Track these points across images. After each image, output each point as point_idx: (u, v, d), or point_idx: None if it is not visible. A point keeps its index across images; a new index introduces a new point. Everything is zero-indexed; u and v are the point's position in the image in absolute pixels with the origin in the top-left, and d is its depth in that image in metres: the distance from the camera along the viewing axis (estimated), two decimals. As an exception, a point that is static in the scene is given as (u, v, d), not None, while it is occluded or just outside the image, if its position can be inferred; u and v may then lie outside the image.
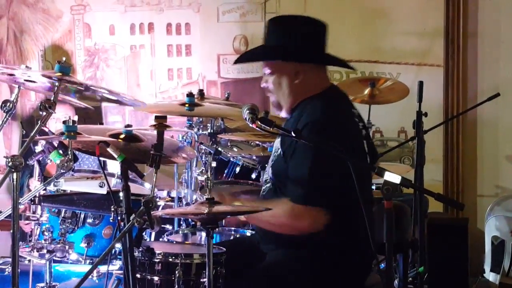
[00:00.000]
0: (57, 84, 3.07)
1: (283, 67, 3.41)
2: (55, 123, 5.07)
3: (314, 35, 3.45)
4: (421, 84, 4.59)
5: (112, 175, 3.98)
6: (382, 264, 3.26)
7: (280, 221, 3.25)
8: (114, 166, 4.32)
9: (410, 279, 4.34)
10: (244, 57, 3.98)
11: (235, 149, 4.92)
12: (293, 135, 2.98)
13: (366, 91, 5.39)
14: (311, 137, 3.17)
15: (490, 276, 5.45)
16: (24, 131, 6.01)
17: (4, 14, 6.29)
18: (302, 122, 3.30)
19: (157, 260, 3.27)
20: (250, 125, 3.07)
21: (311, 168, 3.17)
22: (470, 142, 6.04)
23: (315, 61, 3.45)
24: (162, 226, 4.22)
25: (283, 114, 3.48)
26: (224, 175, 4.73)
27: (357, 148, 3.38)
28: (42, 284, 3.57)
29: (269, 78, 3.45)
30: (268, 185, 3.46)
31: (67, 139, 3.13)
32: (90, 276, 3.28)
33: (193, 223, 4.15)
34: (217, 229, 3.15)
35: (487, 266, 5.50)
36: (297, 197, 3.20)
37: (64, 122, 3.13)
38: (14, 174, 2.81)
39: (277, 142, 3.47)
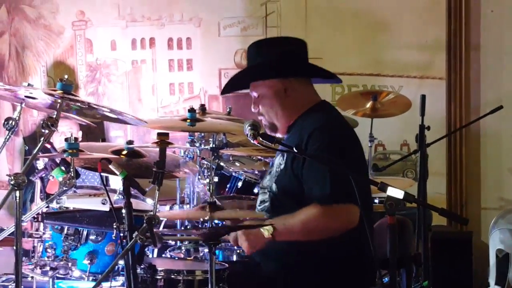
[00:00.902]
0: (59, 101, 3.07)
1: (270, 87, 3.42)
2: (59, 136, 5.06)
3: (294, 51, 3.46)
4: (423, 97, 4.59)
5: (114, 191, 3.97)
6: (386, 279, 3.25)
7: (314, 226, 3.19)
8: (116, 182, 4.31)
9: (414, 293, 4.32)
10: (229, 87, 3.66)
11: (237, 163, 4.91)
12: (295, 150, 2.98)
13: (368, 105, 5.39)
14: (318, 144, 3.21)
15: (495, 289, 5.42)
16: (27, 148, 6.01)
17: (6, 30, 6.30)
18: (305, 132, 3.30)
19: (159, 277, 3.27)
20: (252, 141, 3.07)
21: (332, 168, 3.15)
22: (474, 155, 6.02)
23: (302, 74, 3.45)
24: (164, 241, 4.21)
25: (279, 135, 3.47)
26: (226, 189, 4.72)
27: (361, 154, 3.44)
28: (45, 301, 3.57)
29: (258, 101, 3.46)
30: (265, 204, 3.44)
31: (70, 156, 3.13)
32: (93, 293, 3.26)
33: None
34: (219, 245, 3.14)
35: (491, 280, 5.46)
36: (325, 197, 3.17)
37: (66, 139, 3.13)
38: (17, 192, 2.80)
39: (277, 159, 3.46)
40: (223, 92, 3.70)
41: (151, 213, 2.98)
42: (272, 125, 3.46)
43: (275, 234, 3.23)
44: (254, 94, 3.47)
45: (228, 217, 3.31)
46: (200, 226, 4.02)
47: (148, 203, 4.26)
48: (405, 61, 6.05)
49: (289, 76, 3.41)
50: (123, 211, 3.13)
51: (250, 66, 3.51)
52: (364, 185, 3.26)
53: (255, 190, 4.55)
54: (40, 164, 3.63)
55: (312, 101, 3.47)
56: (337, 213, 3.18)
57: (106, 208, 3.52)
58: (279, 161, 3.44)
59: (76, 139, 3.15)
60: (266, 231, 3.22)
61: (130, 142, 3.68)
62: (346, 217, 3.17)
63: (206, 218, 3.05)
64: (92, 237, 3.91)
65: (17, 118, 3.26)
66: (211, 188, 3.21)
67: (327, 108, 3.51)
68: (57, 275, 3.62)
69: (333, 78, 3.60)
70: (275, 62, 3.42)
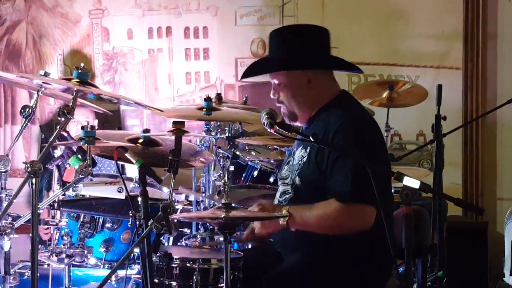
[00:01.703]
0: (75, 90, 3.09)
1: (294, 77, 3.41)
2: (75, 126, 5.09)
3: (319, 42, 3.46)
4: (440, 87, 4.57)
5: (131, 179, 3.99)
6: (401, 269, 3.25)
7: (329, 222, 3.21)
8: (132, 170, 4.33)
9: (429, 283, 4.32)
10: (251, 71, 3.66)
11: (253, 153, 4.91)
12: (312, 140, 2.97)
13: (385, 94, 5.38)
14: (345, 139, 3.22)
15: (510, 280, 5.40)
16: (43, 136, 6.04)
17: (23, 19, 6.32)
18: (332, 127, 3.30)
19: (175, 265, 3.28)
20: (268, 130, 3.07)
21: (355, 167, 3.16)
22: (490, 145, 6.00)
23: (326, 67, 3.45)
24: (180, 230, 4.22)
25: (298, 123, 3.47)
26: (242, 179, 4.73)
27: (385, 147, 3.48)
28: (61, 288, 3.59)
29: (279, 89, 3.44)
30: (287, 196, 3.44)
31: (86, 144, 3.14)
32: (108, 281, 3.28)
33: (211, 227, 4.16)
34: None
35: (506, 270, 5.45)
36: (344, 195, 3.18)
37: (82, 127, 3.15)
38: (33, 180, 2.82)
39: (299, 152, 3.45)
40: (243, 76, 3.65)
41: (167, 201, 2.99)
42: (292, 114, 3.45)
43: (290, 223, 3.25)
44: (275, 81, 3.46)
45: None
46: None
47: (164, 192, 4.28)
48: (421, 51, 6.02)
49: (313, 68, 3.41)
50: (139, 199, 3.14)
51: (275, 57, 3.48)
52: (386, 177, 3.26)
53: (271, 179, 4.55)
54: (57, 152, 3.65)
55: (333, 92, 3.47)
56: (354, 212, 3.20)
57: (122, 196, 3.53)
58: (300, 153, 3.42)
59: (92, 127, 3.16)
60: (282, 218, 3.24)
61: (146, 131, 3.69)
62: (362, 217, 3.18)
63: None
64: (108, 225, 3.94)
65: (33, 106, 3.28)
66: (226, 176, 3.21)
67: (350, 100, 3.52)
68: (73, 262, 3.64)
69: (355, 69, 3.62)
70: (301, 54, 3.41)
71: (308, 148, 3.37)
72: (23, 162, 2.85)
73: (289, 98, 3.43)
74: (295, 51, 3.41)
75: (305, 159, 3.37)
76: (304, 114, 3.43)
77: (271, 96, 3.49)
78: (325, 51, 3.48)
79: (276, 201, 3.49)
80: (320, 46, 3.46)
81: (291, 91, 3.42)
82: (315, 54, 3.43)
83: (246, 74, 3.61)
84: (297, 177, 3.39)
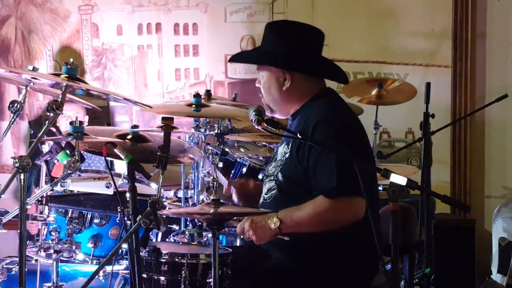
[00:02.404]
0: (64, 85, 3.08)
1: (271, 72, 3.44)
2: (66, 121, 5.08)
3: (309, 44, 3.46)
4: (428, 85, 4.59)
5: (119, 175, 3.98)
6: (388, 265, 3.26)
7: (321, 220, 3.21)
8: (120, 166, 4.33)
9: (416, 280, 4.34)
10: (238, 57, 3.92)
11: (242, 149, 4.91)
12: (299, 136, 2.99)
13: (374, 92, 5.39)
14: (326, 133, 3.23)
15: (497, 278, 5.44)
16: (32, 131, 6.03)
17: (12, 14, 6.31)
18: (310, 122, 3.31)
19: (163, 260, 3.28)
20: (256, 126, 3.08)
21: (338, 161, 3.17)
22: (478, 143, 6.03)
23: (302, 71, 3.45)
24: (169, 226, 4.22)
25: (276, 115, 3.49)
26: (231, 175, 4.73)
27: (367, 142, 3.46)
28: (49, 284, 3.58)
29: (261, 79, 3.49)
30: (272, 192, 3.45)
31: (74, 140, 3.14)
32: (96, 276, 3.28)
33: (200, 223, 4.16)
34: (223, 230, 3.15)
35: (494, 268, 5.49)
36: (331, 190, 3.19)
37: (71, 123, 3.15)
38: (22, 175, 2.82)
39: (282, 148, 3.46)
40: (231, 60, 3.72)
41: (155, 197, 3.00)
42: (267, 106, 3.49)
43: (281, 227, 3.25)
44: (260, 72, 3.51)
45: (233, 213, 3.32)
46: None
47: (152, 188, 4.28)
48: (411, 49, 6.05)
49: (293, 70, 3.42)
50: (127, 194, 3.14)
51: (263, 50, 3.52)
52: (371, 173, 3.27)
53: (260, 176, 4.55)
54: (45, 147, 3.65)
55: (314, 90, 3.47)
56: (344, 206, 3.20)
57: (110, 191, 3.53)
58: (283, 149, 3.44)
59: (81, 122, 3.16)
60: (273, 224, 3.25)
61: (135, 127, 3.69)
62: (353, 210, 3.18)
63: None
64: (96, 220, 3.93)
65: (22, 101, 3.27)
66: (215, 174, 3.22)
67: (331, 96, 3.52)
68: (61, 258, 3.63)
69: (342, 81, 3.63)
70: (286, 52, 3.42)
71: (290, 144, 3.38)
72: (12, 157, 2.84)
73: (265, 91, 3.48)
74: (280, 48, 3.44)
75: (287, 155, 3.38)
76: (279, 109, 3.47)
77: (256, 84, 3.54)
78: (313, 54, 3.48)
79: (261, 199, 3.50)
80: (309, 48, 3.46)
81: (267, 84, 3.46)
82: (300, 56, 3.43)
83: (234, 59, 3.74)
84: (280, 173, 3.40)
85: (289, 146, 3.39)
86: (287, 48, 3.43)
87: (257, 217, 3.33)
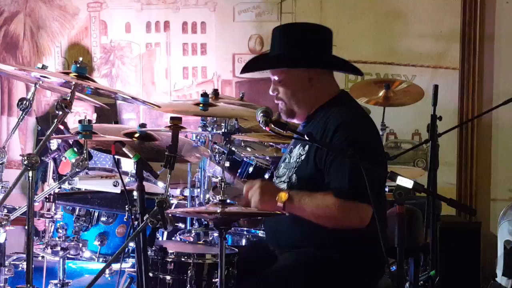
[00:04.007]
0: (73, 84, 3.10)
1: (295, 74, 3.42)
2: (73, 117, 5.09)
3: (322, 41, 3.46)
4: (436, 87, 4.58)
5: (126, 173, 4.00)
6: (393, 267, 3.27)
7: (325, 215, 3.21)
8: (128, 165, 4.34)
9: (421, 282, 4.34)
10: (253, 66, 3.65)
11: (248, 149, 4.93)
12: (307, 138, 2.99)
13: (381, 93, 5.39)
14: (344, 138, 3.24)
15: (502, 281, 5.43)
16: (39, 128, 6.04)
17: (21, 10, 6.32)
18: (331, 126, 3.32)
19: (169, 260, 3.29)
20: (264, 127, 3.09)
21: (352, 165, 3.15)
22: (485, 146, 6.01)
23: (328, 67, 3.46)
24: (175, 224, 4.24)
25: (296, 121, 3.48)
26: (237, 174, 4.74)
27: (382, 148, 3.50)
28: (56, 281, 3.59)
29: (278, 86, 3.45)
30: None
31: (83, 138, 3.15)
32: (103, 274, 3.29)
33: (206, 222, 4.17)
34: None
35: (499, 270, 5.47)
36: (342, 192, 3.18)
37: (80, 121, 3.16)
38: (30, 172, 2.83)
39: (297, 149, 3.46)
40: (244, 71, 3.63)
41: (162, 196, 3.01)
42: (291, 111, 3.46)
43: (287, 205, 3.23)
44: (276, 77, 3.46)
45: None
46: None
47: (159, 186, 4.29)
48: (419, 50, 6.04)
49: (315, 67, 3.42)
50: (134, 193, 3.15)
51: (277, 53, 3.48)
52: (383, 179, 3.27)
53: (266, 176, 4.57)
54: (53, 144, 3.66)
55: (333, 92, 3.48)
56: (351, 209, 3.20)
57: (118, 190, 3.54)
58: (298, 151, 3.43)
59: (90, 121, 3.17)
60: (280, 198, 3.22)
61: (143, 125, 3.70)
62: (359, 215, 3.18)
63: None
64: (103, 218, 3.95)
65: (31, 98, 3.29)
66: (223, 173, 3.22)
67: (349, 100, 3.54)
68: (68, 255, 3.65)
69: (356, 72, 3.64)
70: (303, 52, 3.42)
71: (307, 146, 3.38)
72: (20, 155, 2.86)
73: (288, 96, 3.44)
74: (297, 49, 3.42)
75: (303, 157, 3.38)
76: (303, 112, 3.45)
77: (270, 92, 3.50)
78: (327, 51, 3.49)
79: None
80: (323, 45, 3.47)
81: (291, 88, 3.43)
82: (318, 53, 3.44)
83: (247, 69, 3.60)
84: (294, 175, 3.40)
85: (305, 148, 3.39)
86: (301, 48, 3.42)
87: (271, 185, 3.33)
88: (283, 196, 3.23)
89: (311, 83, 3.40)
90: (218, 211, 3.00)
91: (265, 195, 3.28)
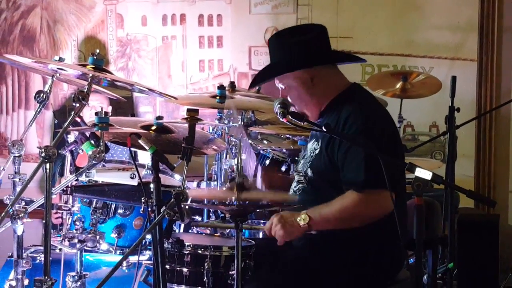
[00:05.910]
0: (90, 76, 3.10)
1: (296, 78, 3.40)
2: (89, 111, 5.10)
3: (316, 38, 3.44)
4: (454, 79, 4.56)
5: (143, 166, 3.99)
6: (411, 260, 3.25)
7: (350, 214, 3.21)
8: (144, 157, 4.34)
9: (439, 275, 4.32)
10: (257, 80, 3.66)
11: (265, 141, 4.92)
12: (324, 130, 2.98)
13: (398, 85, 5.37)
14: (355, 128, 3.23)
15: (520, 273, 5.40)
16: (56, 121, 6.06)
17: (38, 4, 6.33)
18: (342, 118, 3.31)
19: (186, 252, 3.30)
20: (281, 119, 3.08)
21: (367, 154, 3.15)
22: (503, 137, 5.98)
23: (326, 61, 3.44)
24: (192, 217, 4.24)
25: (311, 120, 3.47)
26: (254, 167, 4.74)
27: (397, 135, 3.45)
28: (73, 273, 3.60)
29: (286, 92, 3.44)
30: (301, 185, 3.44)
31: (100, 130, 3.16)
32: (120, 266, 3.29)
33: (222, 215, 4.17)
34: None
35: (517, 263, 5.45)
36: (358, 184, 3.18)
37: (96, 113, 3.16)
38: (47, 165, 2.83)
39: (311, 144, 3.46)
40: (251, 86, 3.75)
41: (179, 188, 3.00)
42: (303, 114, 3.44)
43: (311, 223, 3.23)
44: (281, 85, 3.47)
45: (256, 198, 3.30)
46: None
47: (175, 179, 4.29)
48: (436, 42, 6.01)
49: (314, 65, 3.40)
50: (151, 185, 3.15)
51: (275, 62, 3.48)
52: (398, 168, 3.25)
53: (283, 168, 4.56)
54: (70, 137, 3.66)
55: (341, 86, 3.46)
56: (372, 200, 3.19)
57: (134, 182, 3.54)
58: (313, 145, 3.43)
59: (106, 113, 3.17)
60: (302, 220, 3.23)
61: (159, 118, 3.70)
62: (381, 203, 3.16)
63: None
64: (120, 211, 3.96)
65: (48, 91, 3.29)
66: (239, 166, 3.21)
67: (361, 92, 3.51)
68: (85, 247, 3.66)
69: (357, 60, 3.63)
70: (299, 53, 3.40)
71: (320, 140, 3.38)
72: (38, 147, 2.86)
73: (296, 99, 3.42)
74: (293, 52, 3.40)
75: (317, 151, 3.37)
76: (314, 111, 3.43)
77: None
78: (324, 47, 3.47)
79: (291, 191, 3.50)
80: (317, 42, 3.45)
81: (296, 92, 3.42)
82: (314, 51, 3.42)
83: (254, 83, 3.65)
84: (309, 169, 3.40)
85: (319, 142, 3.38)
86: (298, 49, 3.41)
87: (286, 213, 3.31)
88: (303, 217, 3.23)
89: (314, 82, 3.39)
90: (233, 197, 2.99)
91: (287, 227, 3.26)
